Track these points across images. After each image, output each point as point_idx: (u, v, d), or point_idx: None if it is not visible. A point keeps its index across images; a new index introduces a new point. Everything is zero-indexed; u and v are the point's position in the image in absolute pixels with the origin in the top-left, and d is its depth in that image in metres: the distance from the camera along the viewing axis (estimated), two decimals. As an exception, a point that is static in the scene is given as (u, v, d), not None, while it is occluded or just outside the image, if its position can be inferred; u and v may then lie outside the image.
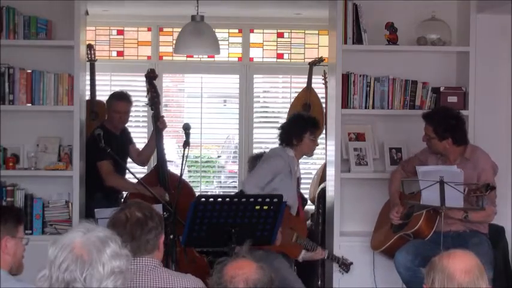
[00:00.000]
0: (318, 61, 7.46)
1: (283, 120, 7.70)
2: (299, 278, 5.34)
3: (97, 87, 6.93)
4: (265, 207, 4.57)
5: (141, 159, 6.38)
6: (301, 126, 5.43)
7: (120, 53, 8.28)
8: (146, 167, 7.61)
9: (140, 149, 6.39)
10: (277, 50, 8.42)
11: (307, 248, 5.35)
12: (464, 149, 5.11)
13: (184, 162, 4.96)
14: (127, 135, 6.26)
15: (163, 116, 6.14)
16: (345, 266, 5.54)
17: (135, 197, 5.15)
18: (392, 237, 5.29)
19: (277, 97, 8.69)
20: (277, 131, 5.57)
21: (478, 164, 5.06)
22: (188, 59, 8.24)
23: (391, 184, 5.42)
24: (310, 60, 7.58)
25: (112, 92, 6.38)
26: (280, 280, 4.84)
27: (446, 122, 5.07)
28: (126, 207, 3.20)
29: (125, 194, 6.12)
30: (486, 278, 2.66)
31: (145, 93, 6.21)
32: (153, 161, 7.39)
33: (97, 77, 6.97)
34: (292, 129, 5.44)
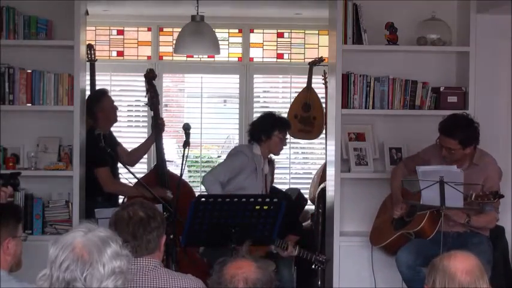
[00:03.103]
0: (318, 61, 7.46)
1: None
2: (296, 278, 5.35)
3: (97, 87, 6.92)
4: (265, 207, 4.57)
5: (131, 160, 6.18)
6: (271, 123, 5.55)
7: (120, 53, 8.29)
8: (146, 167, 7.64)
9: (129, 149, 6.29)
10: (277, 50, 8.42)
11: (274, 244, 5.31)
12: (473, 153, 5.10)
13: (184, 162, 4.96)
14: (113, 134, 6.22)
15: (162, 118, 6.12)
16: (319, 262, 5.34)
17: (135, 197, 5.13)
18: (394, 234, 5.29)
19: (277, 97, 8.70)
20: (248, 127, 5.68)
21: (486, 169, 5.05)
22: (188, 59, 8.24)
23: (393, 180, 5.41)
24: (310, 60, 7.58)
25: (94, 94, 6.24)
26: None
27: (471, 130, 5.01)
28: (129, 206, 3.19)
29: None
30: (487, 278, 2.68)
31: (145, 94, 6.21)
32: (152, 161, 7.40)
33: (97, 77, 6.95)
34: (261, 126, 5.56)
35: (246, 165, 5.43)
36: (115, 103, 6.11)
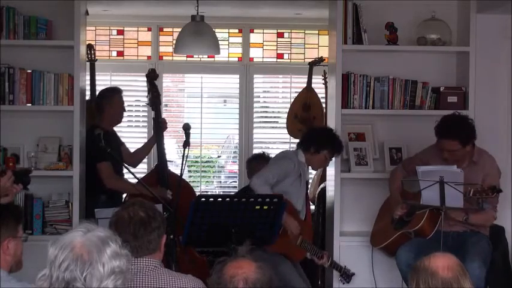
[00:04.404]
0: (318, 61, 7.45)
1: (283, 120, 7.75)
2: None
3: (97, 87, 6.91)
4: (265, 207, 4.57)
5: (133, 161, 6.13)
6: (326, 141, 5.41)
7: (120, 53, 8.29)
8: (146, 167, 7.63)
9: (132, 150, 6.29)
10: (277, 50, 8.42)
11: (311, 252, 5.37)
12: (472, 151, 5.10)
13: (184, 162, 4.96)
14: (116, 134, 6.21)
15: (164, 119, 6.10)
16: (347, 276, 5.57)
17: (136, 197, 5.11)
18: (394, 234, 5.29)
19: (277, 97, 8.70)
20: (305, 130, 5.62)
21: (485, 167, 5.06)
22: (188, 59, 8.24)
23: (392, 182, 5.41)
24: (310, 60, 7.58)
25: (105, 89, 6.19)
26: (286, 284, 4.91)
27: (468, 127, 5.01)
28: (130, 206, 3.17)
29: (125, 194, 6.09)
30: (469, 280, 2.67)
31: (145, 93, 6.20)
32: (153, 161, 7.40)
33: (97, 77, 6.95)
34: (316, 138, 5.43)
35: (293, 171, 5.34)
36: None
